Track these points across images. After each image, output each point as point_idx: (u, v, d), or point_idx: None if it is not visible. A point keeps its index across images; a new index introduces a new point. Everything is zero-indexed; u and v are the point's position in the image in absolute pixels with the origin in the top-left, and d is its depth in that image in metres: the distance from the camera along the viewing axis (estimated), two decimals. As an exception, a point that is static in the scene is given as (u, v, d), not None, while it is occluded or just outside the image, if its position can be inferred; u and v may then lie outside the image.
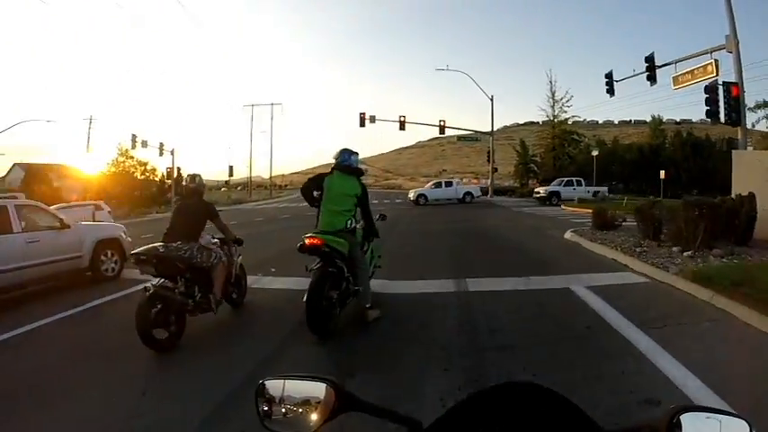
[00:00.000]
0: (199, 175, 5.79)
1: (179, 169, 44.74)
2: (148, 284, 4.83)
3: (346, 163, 5.47)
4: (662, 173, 36.03)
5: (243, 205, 47.47)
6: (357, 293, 5.31)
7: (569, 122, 52.30)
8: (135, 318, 4.51)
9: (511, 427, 0.87)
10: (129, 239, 9.70)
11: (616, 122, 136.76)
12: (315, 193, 5.53)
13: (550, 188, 33.70)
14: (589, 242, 10.95)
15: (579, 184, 33.43)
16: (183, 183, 5.84)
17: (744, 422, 0.84)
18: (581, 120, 56.25)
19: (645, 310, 5.66)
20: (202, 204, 5.59)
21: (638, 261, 8.19)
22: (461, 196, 34.57)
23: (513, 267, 8.47)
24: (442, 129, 40.17)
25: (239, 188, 78.19)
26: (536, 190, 36.53)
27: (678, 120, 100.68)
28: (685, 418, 0.82)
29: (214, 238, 5.86)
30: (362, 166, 5.74)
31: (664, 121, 65.20)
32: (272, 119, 73.95)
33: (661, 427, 0.82)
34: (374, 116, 38.46)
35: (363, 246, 5.88)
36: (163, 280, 4.98)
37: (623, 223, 12.90)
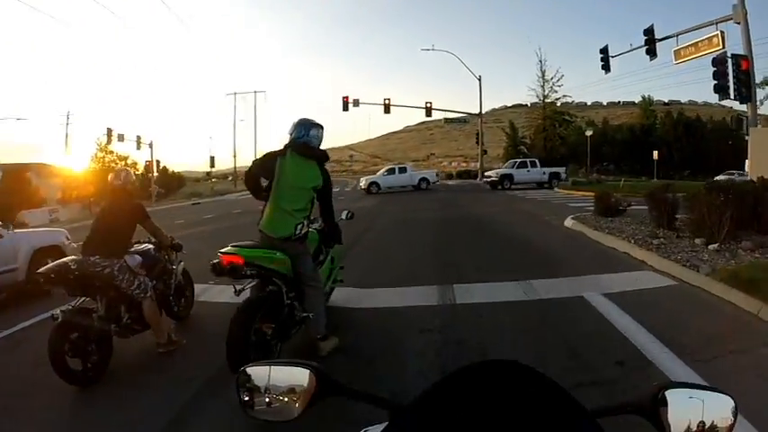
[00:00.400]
0: (126, 171, 4.84)
1: (158, 162, 45.08)
2: (57, 311, 3.87)
3: (304, 140, 3.99)
4: (655, 153, 35.20)
5: (227, 196, 46.10)
6: (306, 321, 3.93)
7: (559, 103, 51.07)
8: (47, 350, 3.73)
9: (491, 406, 0.82)
10: (75, 245, 8.30)
11: (604, 103, 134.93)
12: (264, 182, 4.13)
13: (502, 171, 31.39)
14: (594, 231, 9.69)
15: (534, 165, 31.01)
16: (109, 179, 4.69)
17: (729, 398, 0.84)
18: (570, 102, 54.88)
19: (682, 329, 4.41)
20: (129, 206, 4.50)
21: (656, 256, 6.94)
22: (416, 183, 32.58)
23: (509, 267, 7.18)
24: (428, 111, 39.02)
25: (230, 178, 76.51)
26: (486, 174, 33.93)
27: (667, 100, 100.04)
28: (670, 395, 0.83)
29: (149, 242, 4.98)
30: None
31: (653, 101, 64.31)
32: (255, 107, 71.74)
33: (646, 404, 0.84)
34: (358, 100, 37.30)
35: (319, 255, 4.53)
36: (81, 300, 4.15)
37: (629, 208, 11.67)
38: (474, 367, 0.90)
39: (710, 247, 7.15)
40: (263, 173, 4.09)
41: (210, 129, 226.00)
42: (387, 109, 37.71)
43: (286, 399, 0.91)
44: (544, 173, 30.39)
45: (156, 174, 46.09)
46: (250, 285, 3.87)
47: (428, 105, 38.75)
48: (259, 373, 0.93)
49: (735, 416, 0.83)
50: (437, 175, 38.24)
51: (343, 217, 5.30)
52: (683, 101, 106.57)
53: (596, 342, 4.20)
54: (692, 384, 0.86)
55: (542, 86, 48.75)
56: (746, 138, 14.52)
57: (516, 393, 0.85)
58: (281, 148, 4.05)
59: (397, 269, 7.53)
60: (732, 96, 14.47)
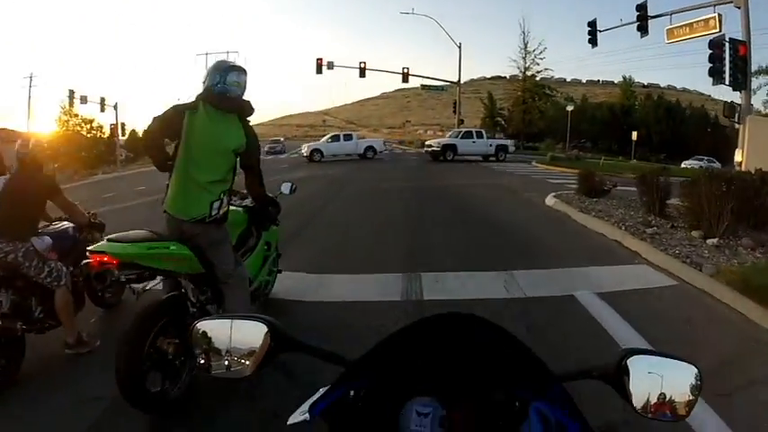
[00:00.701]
0: (34, 139, 4.04)
1: (122, 125, 42.55)
2: None
3: (220, 89, 2.92)
4: (634, 134, 34.94)
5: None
6: None
7: (539, 77, 50.14)
8: None
9: (445, 357, 0.82)
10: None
11: (584, 81, 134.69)
12: (169, 147, 3.10)
13: (445, 141, 28.97)
14: (580, 213, 8.90)
15: (480, 136, 28.63)
16: (15, 149, 3.87)
17: (692, 366, 0.83)
18: (550, 76, 54.01)
19: (691, 347, 3.67)
20: (36, 179, 3.77)
21: (652, 248, 6.19)
22: (362, 151, 30.44)
23: (487, 252, 6.35)
24: (405, 76, 37.47)
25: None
26: (427, 143, 31.26)
27: (646, 83, 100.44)
28: (633, 362, 0.81)
29: (65, 222, 4.20)
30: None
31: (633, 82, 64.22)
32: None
33: (610, 370, 0.82)
34: (332, 62, 35.28)
35: (248, 240, 3.56)
36: None
37: (613, 189, 11.00)
38: (429, 320, 0.86)
39: (709, 241, 6.44)
40: (167, 133, 3.03)
41: (181, 90, 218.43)
42: (362, 73, 35.98)
43: (240, 354, 0.85)
44: (490, 145, 28.40)
45: (124, 137, 43.83)
46: (158, 285, 2.93)
47: (405, 71, 37.33)
48: (212, 327, 0.88)
49: (699, 387, 0.81)
50: (385, 143, 36.26)
51: (285, 191, 4.28)
52: (662, 85, 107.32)
53: (594, 363, 3.40)
54: (657, 352, 0.83)
55: (524, 58, 47.75)
56: (737, 126, 13.99)
57: (472, 346, 0.84)
58: (194, 101, 2.97)
59: (358, 247, 6.75)
60: (727, 82, 13.83)
